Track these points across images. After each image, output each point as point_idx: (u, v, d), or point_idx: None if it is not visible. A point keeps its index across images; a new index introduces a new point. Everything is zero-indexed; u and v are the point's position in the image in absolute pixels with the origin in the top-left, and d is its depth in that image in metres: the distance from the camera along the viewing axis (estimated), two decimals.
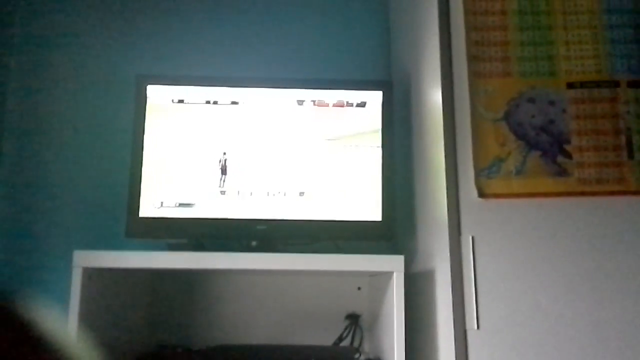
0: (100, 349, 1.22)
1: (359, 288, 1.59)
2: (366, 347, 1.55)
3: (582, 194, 1.10)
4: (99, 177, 1.62)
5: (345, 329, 1.56)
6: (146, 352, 1.39)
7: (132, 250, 1.22)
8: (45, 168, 1.63)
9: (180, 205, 1.33)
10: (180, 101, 1.37)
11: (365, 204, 1.34)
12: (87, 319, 1.16)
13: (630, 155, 1.11)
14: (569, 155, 1.12)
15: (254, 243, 1.34)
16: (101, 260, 1.17)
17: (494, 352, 1.05)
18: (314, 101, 1.39)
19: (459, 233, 1.11)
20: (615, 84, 1.14)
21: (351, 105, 1.39)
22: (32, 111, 1.65)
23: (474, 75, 1.15)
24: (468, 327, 1.07)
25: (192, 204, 1.33)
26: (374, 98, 1.40)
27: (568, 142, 1.12)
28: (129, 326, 1.41)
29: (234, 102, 1.37)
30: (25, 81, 1.67)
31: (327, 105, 1.39)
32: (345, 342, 1.55)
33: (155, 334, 1.53)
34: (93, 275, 1.19)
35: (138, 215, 1.31)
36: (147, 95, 1.36)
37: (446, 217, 1.12)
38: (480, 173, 1.12)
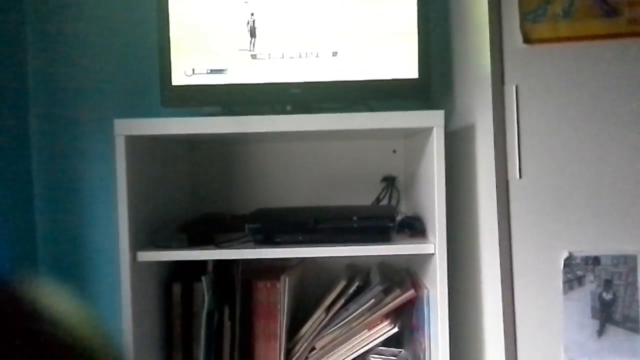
0: (148, 217, 1.27)
1: (394, 151, 1.59)
2: (403, 207, 1.59)
3: (633, 34, 1.04)
4: (131, 47, 1.59)
5: (382, 190, 1.59)
6: (192, 219, 1.44)
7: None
8: (76, 43, 1.59)
9: (212, 71, 1.30)
10: None
11: (400, 60, 1.30)
12: (133, 189, 1.20)
13: None
14: None
15: (288, 107, 1.33)
16: (142, 128, 1.18)
17: (536, 201, 1.06)
18: None
19: (502, 83, 1.08)
20: None
21: None
22: None
23: None
24: (510, 176, 1.07)
25: (224, 70, 1.30)
26: None
27: None
28: (172, 195, 1.45)
29: None
30: None
31: None
32: (383, 204, 1.58)
33: (198, 203, 1.58)
34: (135, 143, 1.20)
35: (171, 83, 1.30)
36: None
37: (489, 67, 1.08)
38: (525, 17, 1.06)
